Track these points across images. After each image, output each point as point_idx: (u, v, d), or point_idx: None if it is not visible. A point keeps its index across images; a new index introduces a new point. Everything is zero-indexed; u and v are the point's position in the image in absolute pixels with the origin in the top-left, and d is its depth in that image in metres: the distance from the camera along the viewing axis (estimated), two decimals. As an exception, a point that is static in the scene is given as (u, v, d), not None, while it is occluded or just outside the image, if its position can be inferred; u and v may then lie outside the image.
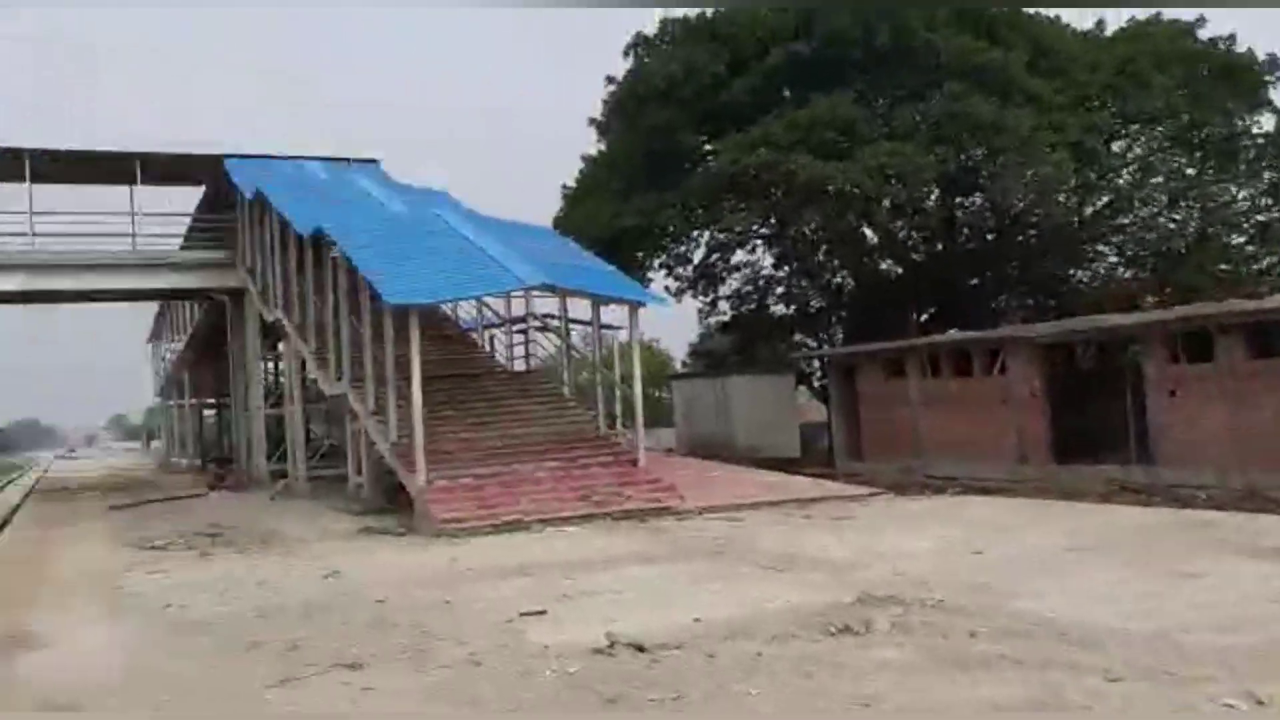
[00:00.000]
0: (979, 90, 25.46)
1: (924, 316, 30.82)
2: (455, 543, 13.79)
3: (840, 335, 32.65)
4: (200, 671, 7.33)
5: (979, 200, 29.74)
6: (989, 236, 30.55)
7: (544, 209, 48.56)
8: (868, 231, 31.07)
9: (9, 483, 55.62)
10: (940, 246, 30.85)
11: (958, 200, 30.06)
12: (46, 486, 45.28)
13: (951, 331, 27.27)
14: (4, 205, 26.44)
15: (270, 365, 33.30)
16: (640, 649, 7.22)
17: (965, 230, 30.83)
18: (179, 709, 6.45)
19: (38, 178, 26.03)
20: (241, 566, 12.40)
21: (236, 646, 7.95)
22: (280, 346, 30.01)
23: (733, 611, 8.41)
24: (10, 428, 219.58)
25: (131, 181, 27.59)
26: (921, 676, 6.21)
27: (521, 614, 8.62)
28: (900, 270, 31.45)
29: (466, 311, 26.24)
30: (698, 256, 32.71)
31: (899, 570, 9.97)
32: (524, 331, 24.86)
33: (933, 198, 29.45)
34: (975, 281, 30.77)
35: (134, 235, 27.73)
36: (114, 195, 28.79)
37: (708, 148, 29.84)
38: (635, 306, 18.24)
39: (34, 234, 25.99)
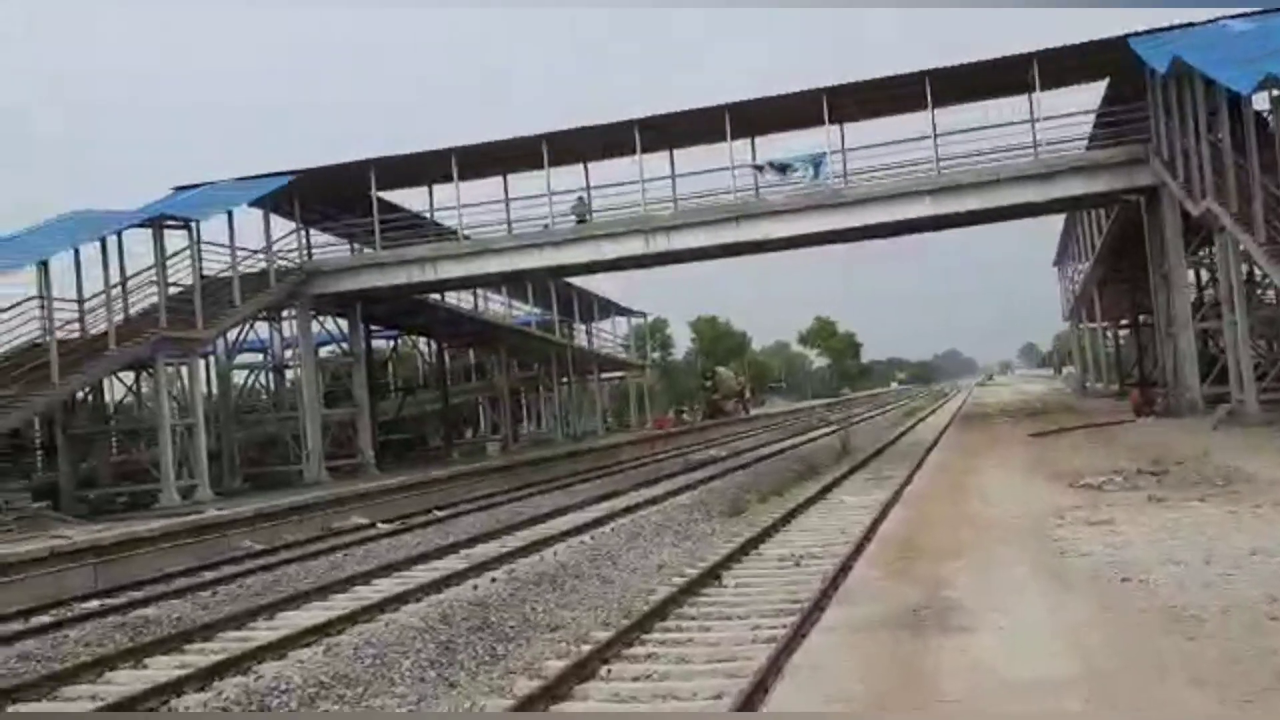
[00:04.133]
0: None
1: None
2: None
3: None
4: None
5: None
6: None
7: None
8: None
9: (937, 408, 59.94)
10: None
11: None
12: (968, 412, 47.05)
13: None
14: (902, 133, 26.86)
15: (1194, 272, 28.73)
16: None
17: None
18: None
19: (937, 101, 25.69)
20: (1211, 520, 9.22)
21: (1259, 674, 4.94)
22: (1204, 250, 25.56)
23: None
24: (936, 359, 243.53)
25: (1027, 88, 25.77)
26: None
27: None
28: None
29: None
30: None
31: None
32: None
33: None
34: None
35: (1035, 145, 25.90)
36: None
37: None
38: None
39: (937, 159, 25.77)
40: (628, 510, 19.12)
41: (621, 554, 13.95)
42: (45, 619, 12.53)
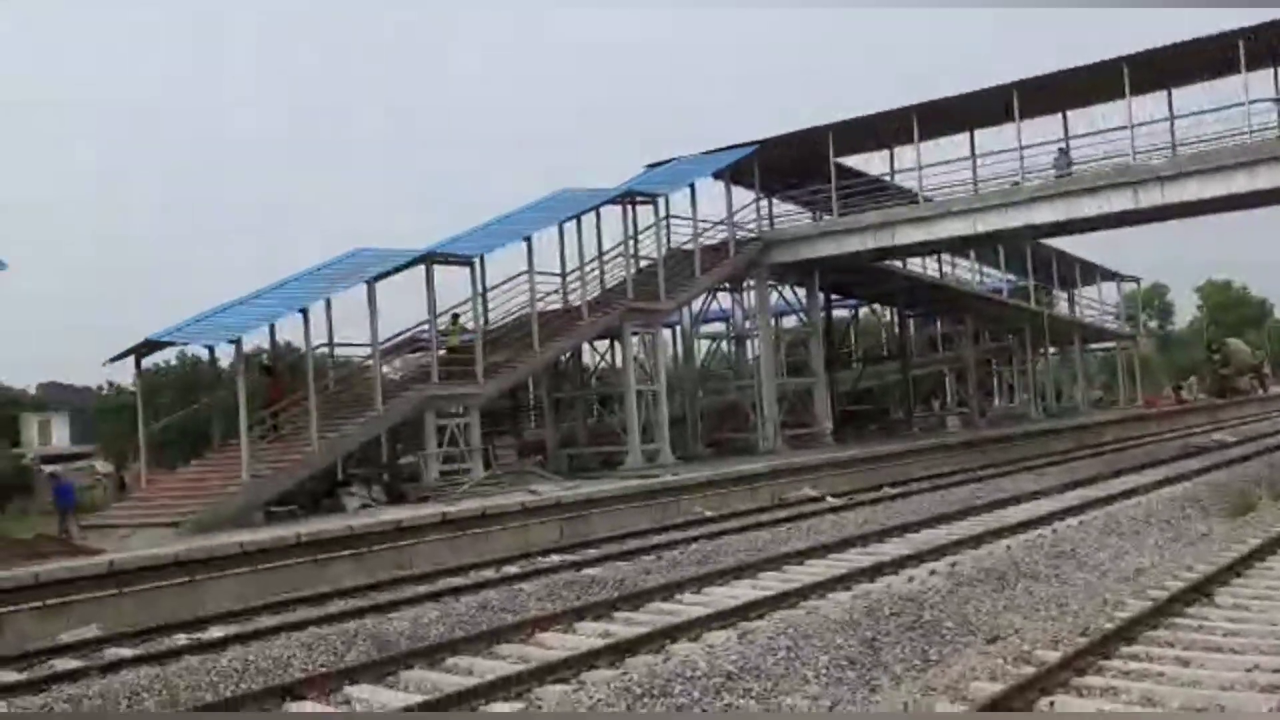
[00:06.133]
0: None
1: None
2: None
3: None
4: None
5: None
6: None
7: None
8: None
9: None
10: None
11: None
12: None
13: None
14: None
15: None
16: None
17: None
18: None
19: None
20: None
21: None
22: None
23: None
24: None
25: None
26: None
27: None
28: None
29: None
30: None
31: None
32: None
33: None
34: None
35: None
36: None
37: None
38: None
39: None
40: (1102, 501, 17.03)
41: (1088, 553, 12.28)
42: (512, 569, 13.65)
